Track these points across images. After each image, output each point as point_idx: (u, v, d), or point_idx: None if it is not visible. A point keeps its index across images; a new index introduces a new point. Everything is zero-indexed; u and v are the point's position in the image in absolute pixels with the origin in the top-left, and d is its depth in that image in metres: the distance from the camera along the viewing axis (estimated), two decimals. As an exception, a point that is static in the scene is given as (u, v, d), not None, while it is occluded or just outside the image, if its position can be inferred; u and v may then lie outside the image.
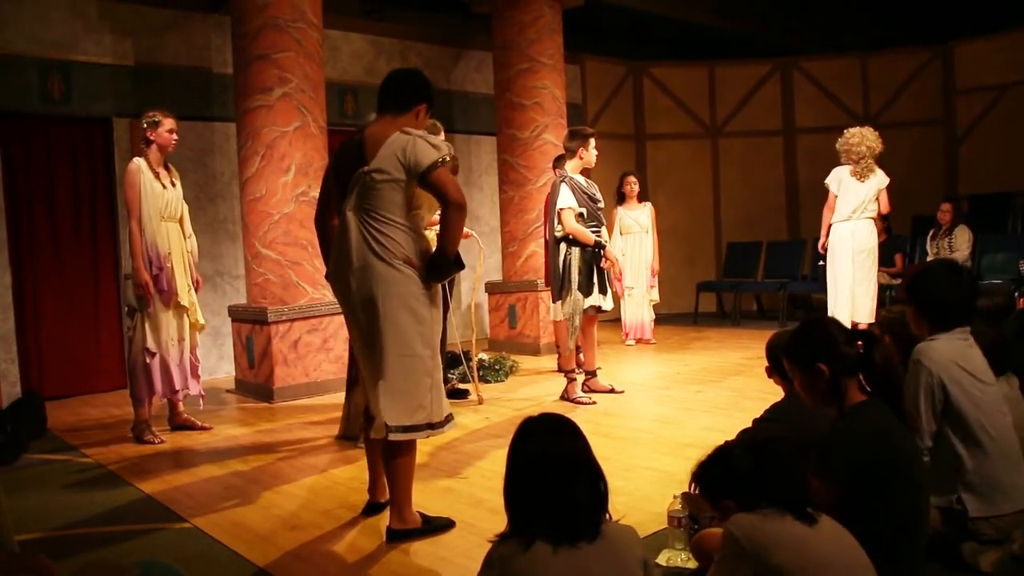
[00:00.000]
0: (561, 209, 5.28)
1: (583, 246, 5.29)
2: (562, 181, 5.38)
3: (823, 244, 6.41)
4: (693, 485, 3.04)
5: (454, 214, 2.96)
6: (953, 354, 2.55)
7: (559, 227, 5.32)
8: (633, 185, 7.87)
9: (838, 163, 6.37)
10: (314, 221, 3.42)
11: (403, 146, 2.95)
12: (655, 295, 8.02)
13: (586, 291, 5.29)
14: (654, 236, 7.93)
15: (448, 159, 2.96)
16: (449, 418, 3.13)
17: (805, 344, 2.43)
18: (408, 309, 2.98)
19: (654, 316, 8.11)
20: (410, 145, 2.94)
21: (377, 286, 2.96)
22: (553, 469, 1.81)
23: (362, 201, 2.99)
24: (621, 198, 7.90)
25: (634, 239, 7.86)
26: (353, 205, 3.01)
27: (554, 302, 5.44)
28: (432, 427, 3.05)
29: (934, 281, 2.69)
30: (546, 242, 5.78)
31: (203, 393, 5.22)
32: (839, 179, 6.26)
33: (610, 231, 6.85)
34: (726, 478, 2.01)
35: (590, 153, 5.44)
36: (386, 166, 2.94)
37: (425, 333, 3.03)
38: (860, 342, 2.38)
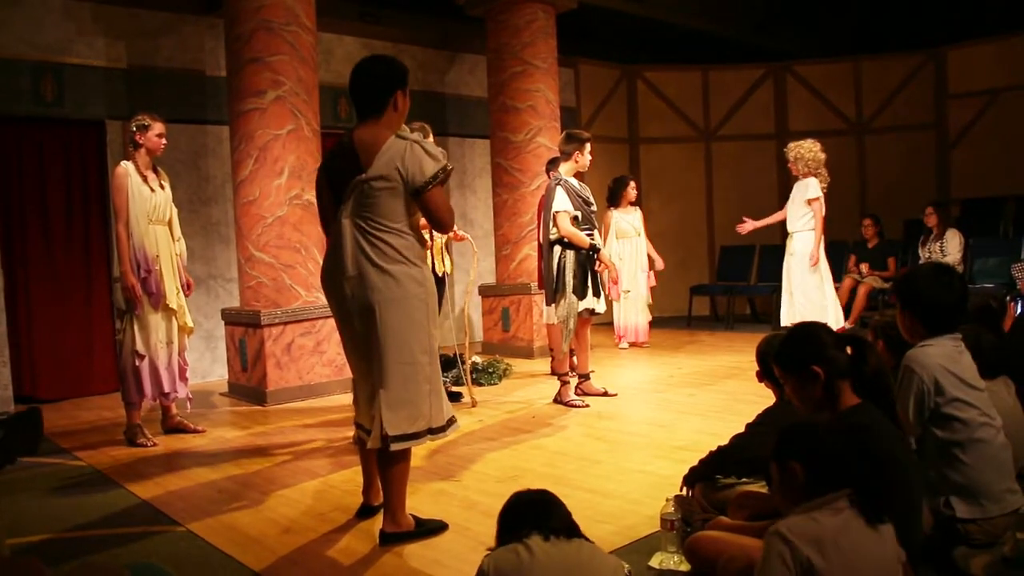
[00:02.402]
0: (556, 212, 5.29)
1: (577, 249, 5.29)
2: (557, 184, 5.38)
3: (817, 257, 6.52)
4: (685, 488, 3.08)
5: (438, 229, 3.15)
6: (944, 360, 2.55)
7: (554, 230, 5.33)
8: (633, 190, 7.90)
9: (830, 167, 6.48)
10: (323, 228, 3.32)
11: (401, 154, 2.92)
12: (648, 297, 8.03)
13: (580, 294, 5.30)
14: (647, 239, 7.95)
15: (446, 173, 2.97)
16: (451, 421, 3.13)
17: (797, 349, 2.43)
18: (406, 316, 2.98)
19: (650, 317, 8.11)
20: (408, 154, 2.92)
21: (374, 293, 2.95)
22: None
23: (359, 208, 2.96)
24: (616, 201, 7.90)
25: (630, 243, 7.87)
26: (350, 212, 2.98)
27: (548, 305, 5.44)
28: (433, 432, 3.05)
29: (924, 284, 2.65)
30: (540, 245, 5.78)
31: (191, 396, 5.21)
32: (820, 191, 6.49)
33: (603, 234, 6.86)
34: (814, 450, 1.98)
35: (585, 157, 5.46)
36: (384, 173, 2.92)
37: (423, 339, 3.02)
38: (849, 346, 2.40)
